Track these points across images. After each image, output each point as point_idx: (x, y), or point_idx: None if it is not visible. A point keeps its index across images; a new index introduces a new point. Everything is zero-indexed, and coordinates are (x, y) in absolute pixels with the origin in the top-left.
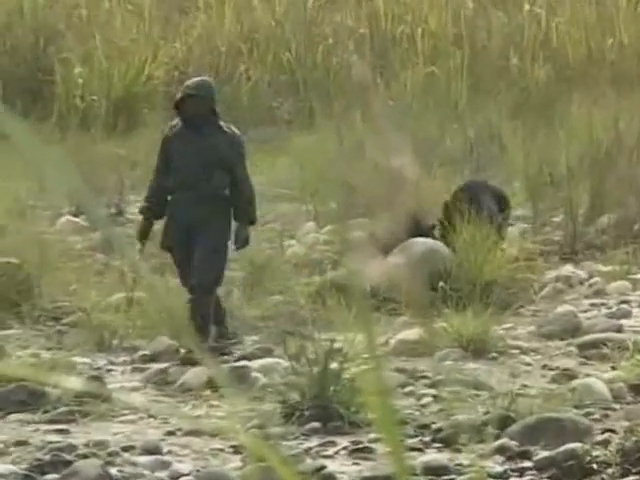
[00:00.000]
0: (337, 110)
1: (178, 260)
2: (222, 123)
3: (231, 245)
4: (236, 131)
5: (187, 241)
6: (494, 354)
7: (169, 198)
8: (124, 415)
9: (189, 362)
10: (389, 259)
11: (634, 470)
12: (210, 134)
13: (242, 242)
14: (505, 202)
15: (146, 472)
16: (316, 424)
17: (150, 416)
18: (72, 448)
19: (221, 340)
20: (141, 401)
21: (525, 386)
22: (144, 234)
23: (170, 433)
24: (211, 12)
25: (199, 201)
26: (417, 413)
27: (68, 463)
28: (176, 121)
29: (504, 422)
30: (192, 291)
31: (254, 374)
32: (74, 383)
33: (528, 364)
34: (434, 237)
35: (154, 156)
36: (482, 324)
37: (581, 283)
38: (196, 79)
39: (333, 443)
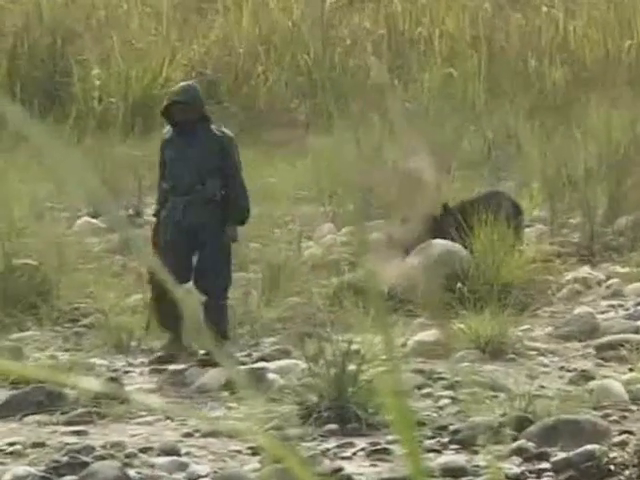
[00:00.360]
0: (355, 112)
1: (170, 262)
2: (213, 126)
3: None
4: (227, 133)
5: (184, 244)
6: (511, 355)
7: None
8: (142, 417)
9: (207, 364)
10: (407, 261)
11: None
12: (201, 139)
13: (230, 240)
14: (518, 210)
15: (164, 474)
16: (334, 426)
17: (168, 417)
18: (90, 450)
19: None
20: (159, 402)
21: (542, 387)
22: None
23: (188, 435)
24: (229, 14)
25: (194, 205)
26: (435, 415)
27: (85, 464)
28: (169, 127)
29: (521, 424)
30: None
31: (272, 376)
32: (92, 384)
33: (546, 365)
34: (451, 236)
35: None
36: (499, 325)
37: (599, 284)
38: (181, 84)
39: (351, 444)
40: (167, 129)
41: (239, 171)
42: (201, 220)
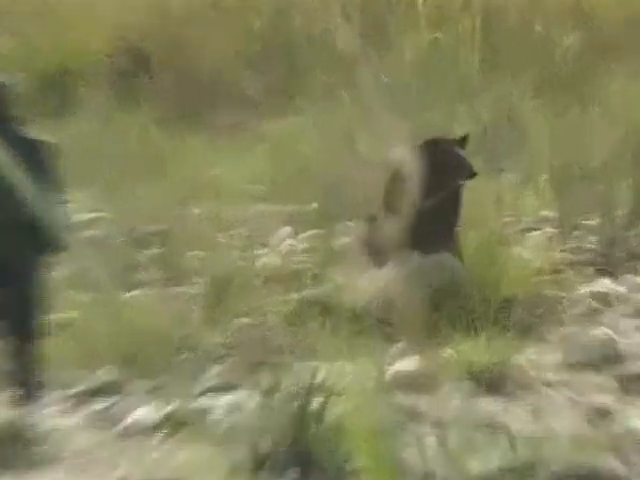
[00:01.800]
0: (319, 88)
1: None
2: (20, 130)
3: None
4: (46, 139)
5: None
6: (513, 389)
7: None
8: (63, 460)
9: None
10: (383, 271)
11: None
12: (8, 144)
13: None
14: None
15: None
16: (294, 474)
17: (94, 462)
18: None
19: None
20: (83, 445)
21: (551, 428)
22: None
23: None
24: None
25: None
26: (419, 461)
27: None
28: None
29: (526, 471)
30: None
31: (217, 413)
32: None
33: (555, 401)
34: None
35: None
36: (499, 352)
37: (620, 301)
38: None
39: None
40: None
41: (58, 185)
42: (11, 246)
